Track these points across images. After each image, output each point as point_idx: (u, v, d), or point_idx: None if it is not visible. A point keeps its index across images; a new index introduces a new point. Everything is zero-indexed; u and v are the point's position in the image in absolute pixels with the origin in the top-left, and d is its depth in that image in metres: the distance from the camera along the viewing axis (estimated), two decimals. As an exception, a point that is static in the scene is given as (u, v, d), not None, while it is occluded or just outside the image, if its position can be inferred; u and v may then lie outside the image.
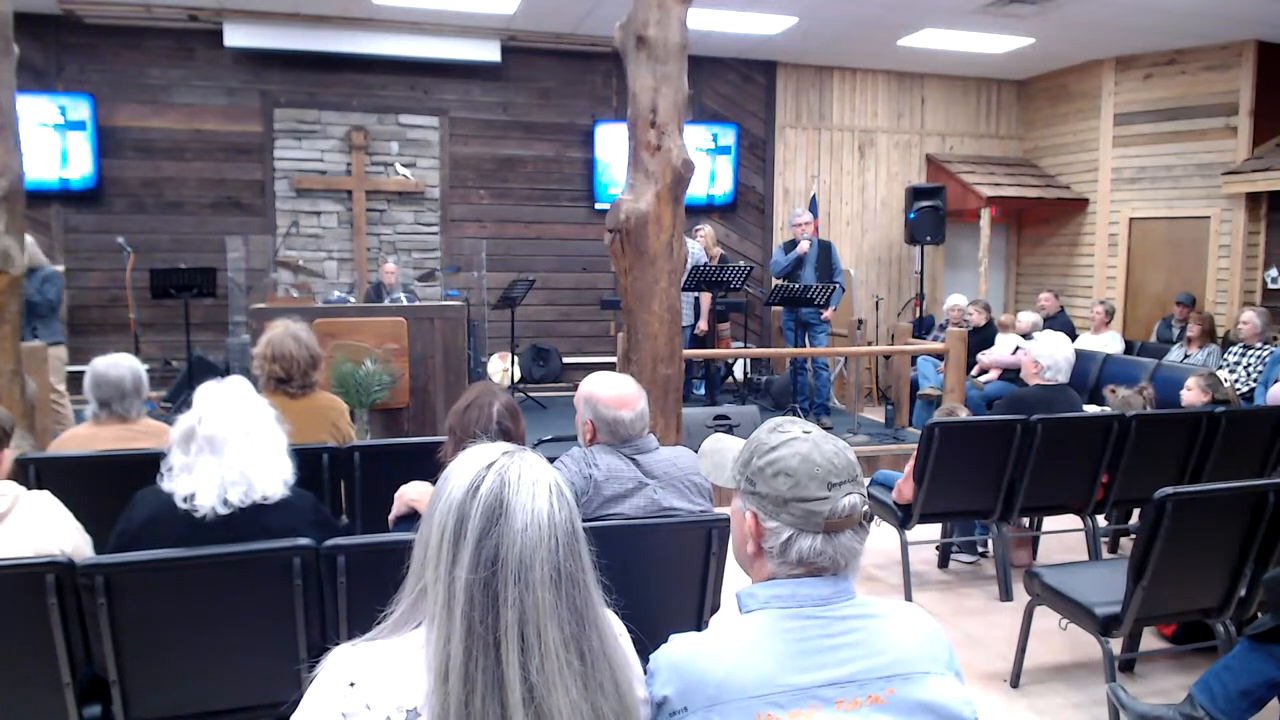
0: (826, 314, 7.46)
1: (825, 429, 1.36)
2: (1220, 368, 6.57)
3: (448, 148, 9.07)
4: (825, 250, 7.67)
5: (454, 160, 9.11)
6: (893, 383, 7.88)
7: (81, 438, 3.23)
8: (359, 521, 3.27)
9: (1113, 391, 4.82)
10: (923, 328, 8.86)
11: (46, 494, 2.40)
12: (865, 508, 1.30)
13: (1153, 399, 4.80)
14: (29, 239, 6.16)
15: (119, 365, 3.22)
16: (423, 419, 5.63)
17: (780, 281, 7.66)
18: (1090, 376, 7.33)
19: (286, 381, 3.40)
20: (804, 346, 7.62)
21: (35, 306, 5.94)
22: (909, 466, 4.21)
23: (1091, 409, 5.01)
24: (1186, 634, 3.65)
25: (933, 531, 4.81)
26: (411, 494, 2.43)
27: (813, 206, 9.57)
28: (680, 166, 4.07)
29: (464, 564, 1.02)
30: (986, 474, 4.23)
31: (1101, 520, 4.68)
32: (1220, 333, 7.86)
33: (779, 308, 8.06)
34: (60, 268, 6.84)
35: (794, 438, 1.31)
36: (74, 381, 5.57)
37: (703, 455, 1.55)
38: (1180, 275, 9.01)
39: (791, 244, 7.67)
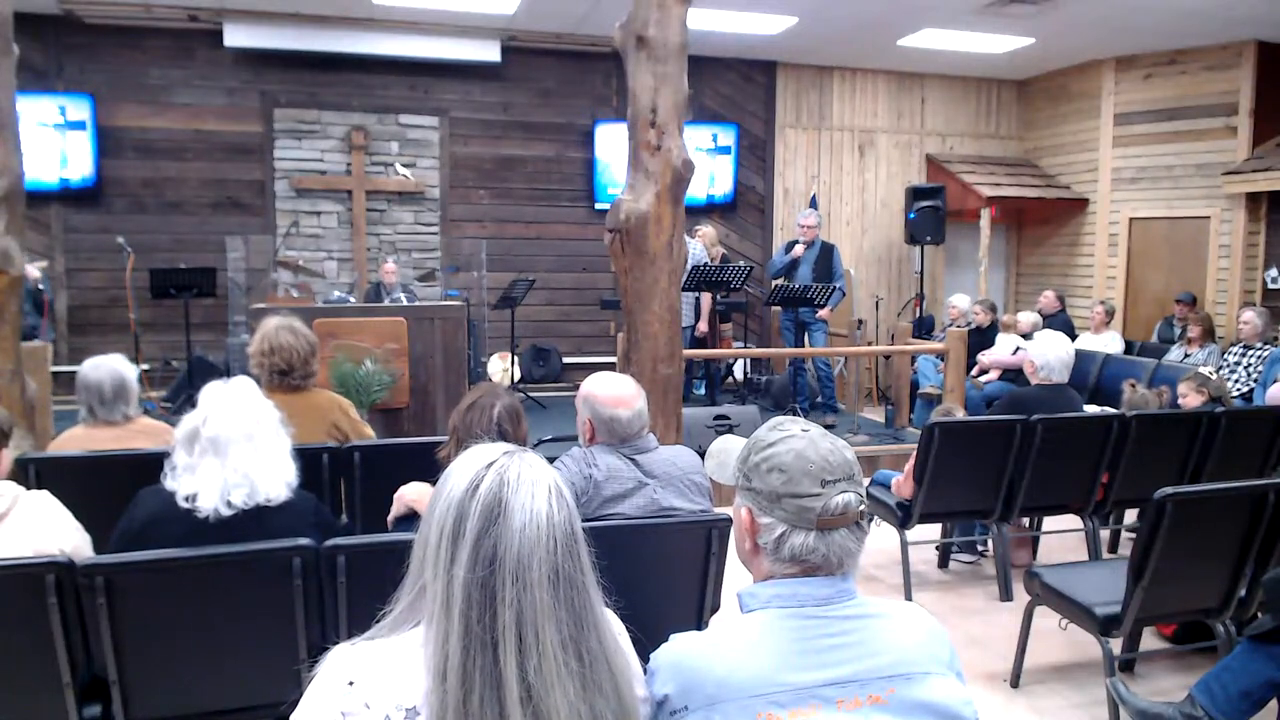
0: (822, 313, 7.45)
1: (828, 427, 1.36)
2: (1220, 367, 6.57)
3: (448, 148, 9.07)
4: (827, 252, 7.67)
5: (454, 160, 9.10)
6: (893, 383, 7.88)
7: (80, 438, 3.21)
8: (359, 521, 3.26)
9: (1132, 386, 4.80)
10: (923, 328, 8.85)
11: (46, 494, 2.40)
12: (861, 507, 1.29)
13: (1168, 404, 4.81)
14: None
15: (100, 368, 3.16)
16: (423, 419, 5.62)
17: (779, 281, 7.65)
18: (1090, 376, 7.33)
19: (288, 373, 3.34)
20: (803, 346, 7.62)
21: None
22: (909, 464, 4.21)
23: (1092, 409, 5.00)
24: (1186, 634, 3.65)
25: (933, 531, 4.80)
26: (411, 495, 2.43)
27: (813, 206, 9.57)
28: (680, 166, 4.06)
29: (462, 563, 1.02)
30: (986, 474, 4.22)
31: (1110, 521, 4.67)
32: (1219, 333, 7.86)
33: (778, 308, 8.07)
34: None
35: (791, 435, 1.31)
36: (66, 381, 5.57)
37: (710, 456, 1.57)
38: (1180, 275, 9.00)
39: (793, 243, 7.68)
